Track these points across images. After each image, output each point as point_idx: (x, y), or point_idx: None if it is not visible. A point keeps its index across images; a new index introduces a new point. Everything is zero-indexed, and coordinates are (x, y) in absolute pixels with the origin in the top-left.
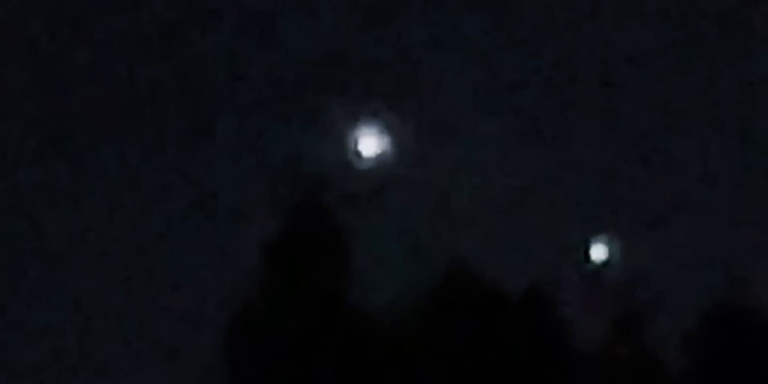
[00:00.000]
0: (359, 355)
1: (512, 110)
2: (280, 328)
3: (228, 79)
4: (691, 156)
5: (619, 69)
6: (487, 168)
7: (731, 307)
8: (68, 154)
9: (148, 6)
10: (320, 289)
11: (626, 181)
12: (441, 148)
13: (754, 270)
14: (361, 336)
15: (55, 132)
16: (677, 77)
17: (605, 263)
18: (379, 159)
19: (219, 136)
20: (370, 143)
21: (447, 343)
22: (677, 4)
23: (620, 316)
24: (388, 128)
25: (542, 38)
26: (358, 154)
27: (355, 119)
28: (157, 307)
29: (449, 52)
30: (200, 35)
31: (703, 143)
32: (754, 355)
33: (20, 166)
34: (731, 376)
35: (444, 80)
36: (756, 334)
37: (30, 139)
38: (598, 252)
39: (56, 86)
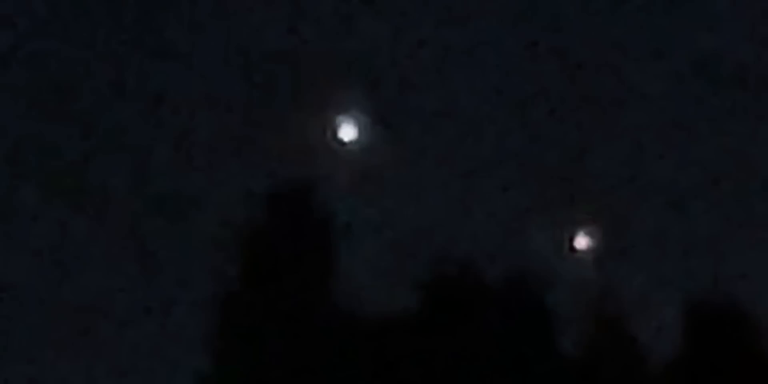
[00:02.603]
0: (344, 352)
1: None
2: (263, 324)
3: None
4: (680, 148)
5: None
6: (469, 155)
7: (718, 302)
8: None
9: None
10: (303, 283)
11: (612, 172)
12: (423, 136)
13: (743, 266)
14: (344, 332)
15: None
16: None
17: (588, 253)
18: (360, 145)
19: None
20: (350, 128)
21: (433, 337)
22: None
23: (605, 308)
24: (368, 113)
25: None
26: (338, 140)
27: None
28: (134, 307)
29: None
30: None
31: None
32: (739, 350)
33: None
34: (715, 372)
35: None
36: (742, 330)
37: None
38: (582, 242)
39: None
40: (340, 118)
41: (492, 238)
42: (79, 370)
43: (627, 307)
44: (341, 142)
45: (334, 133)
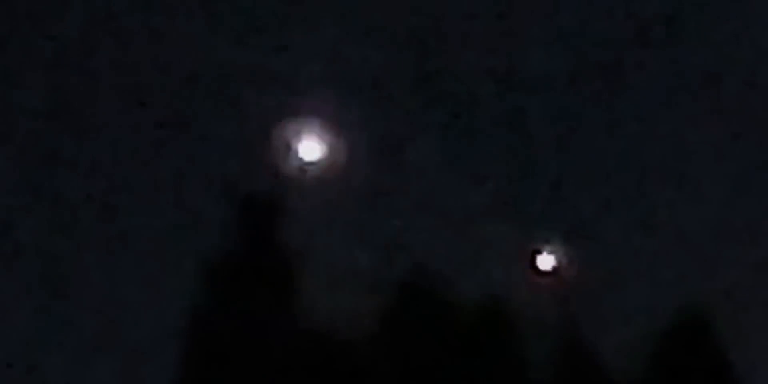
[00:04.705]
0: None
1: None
2: (225, 351)
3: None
4: (652, 162)
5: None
6: (435, 175)
7: (683, 320)
8: None
9: None
10: (265, 307)
11: (578, 189)
12: (389, 155)
13: (709, 283)
14: (307, 354)
15: None
16: None
17: (553, 272)
18: (322, 164)
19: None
20: (311, 147)
21: (397, 357)
22: None
23: (567, 326)
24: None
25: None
26: (299, 159)
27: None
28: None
29: None
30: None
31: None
32: (701, 368)
33: None
34: None
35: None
36: (703, 348)
37: None
38: (546, 261)
39: None
40: (303, 136)
41: (456, 258)
42: None
43: (592, 330)
44: (305, 161)
45: (298, 151)
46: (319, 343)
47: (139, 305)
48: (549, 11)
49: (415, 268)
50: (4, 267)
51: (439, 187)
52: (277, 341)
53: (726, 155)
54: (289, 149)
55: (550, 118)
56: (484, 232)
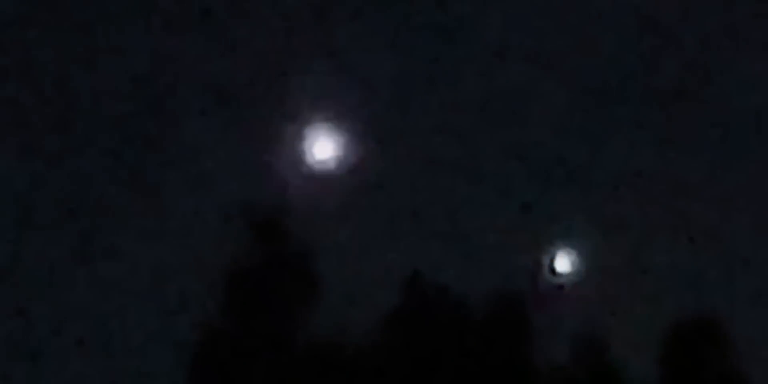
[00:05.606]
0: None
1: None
2: (242, 353)
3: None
4: (661, 164)
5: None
6: (449, 170)
7: (696, 323)
8: None
9: None
10: (284, 312)
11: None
12: (399, 154)
13: (723, 284)
14: (320, 360)
15: None
16: None
17: (570, 275)
18: (330, 164)
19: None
20: (324, 148)
21: (408, 359)
22: None
23: (581, 330)
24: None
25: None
26: (312, 160)
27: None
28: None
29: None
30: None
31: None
32: (716, 371)
33: None
34: None
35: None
36: (722, 351)
37: None
38: (563, 264)
39: None
40: (319, 134)
41: (471, 261)
42: None
43: (611, 331)
44: (321, 162)
45: (315, 150)
46: (330, 346)
47: (150, 307)
48: None
49: (430, 270)
50: None
51: (454, 187)
52: (288, 345)
53: None
54: (297, 149)
55: None
56: (496, 231)
